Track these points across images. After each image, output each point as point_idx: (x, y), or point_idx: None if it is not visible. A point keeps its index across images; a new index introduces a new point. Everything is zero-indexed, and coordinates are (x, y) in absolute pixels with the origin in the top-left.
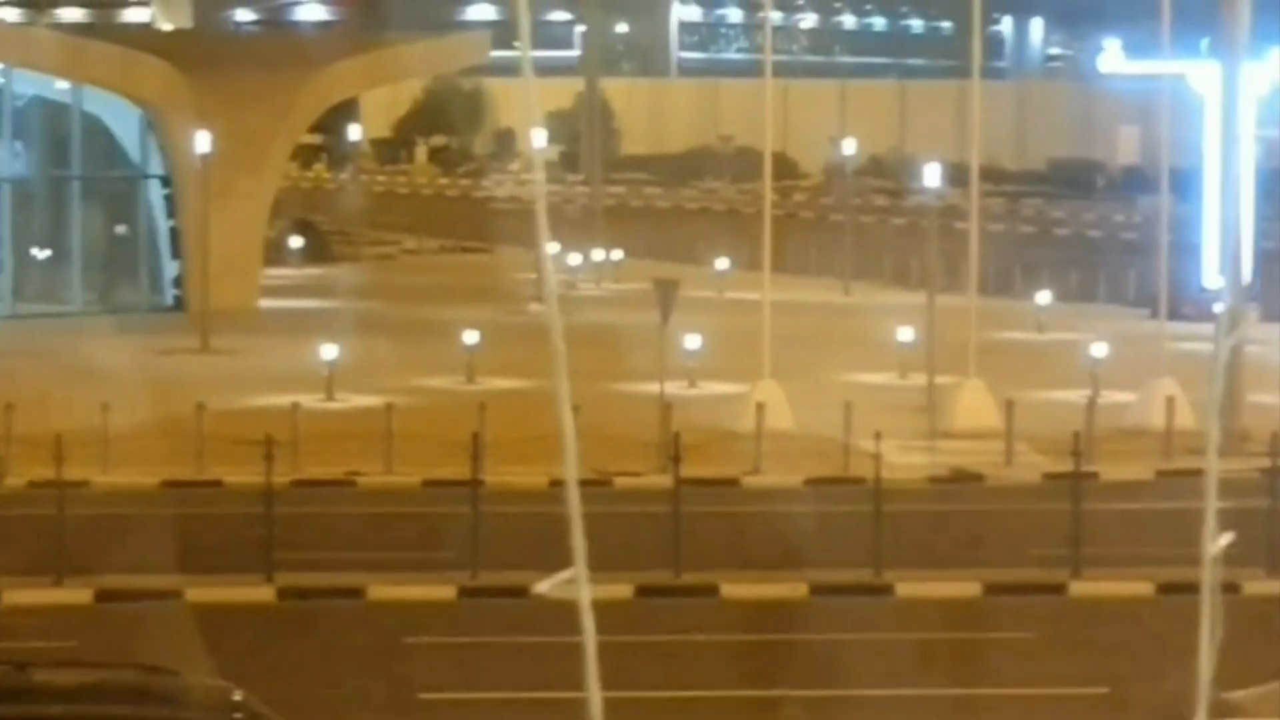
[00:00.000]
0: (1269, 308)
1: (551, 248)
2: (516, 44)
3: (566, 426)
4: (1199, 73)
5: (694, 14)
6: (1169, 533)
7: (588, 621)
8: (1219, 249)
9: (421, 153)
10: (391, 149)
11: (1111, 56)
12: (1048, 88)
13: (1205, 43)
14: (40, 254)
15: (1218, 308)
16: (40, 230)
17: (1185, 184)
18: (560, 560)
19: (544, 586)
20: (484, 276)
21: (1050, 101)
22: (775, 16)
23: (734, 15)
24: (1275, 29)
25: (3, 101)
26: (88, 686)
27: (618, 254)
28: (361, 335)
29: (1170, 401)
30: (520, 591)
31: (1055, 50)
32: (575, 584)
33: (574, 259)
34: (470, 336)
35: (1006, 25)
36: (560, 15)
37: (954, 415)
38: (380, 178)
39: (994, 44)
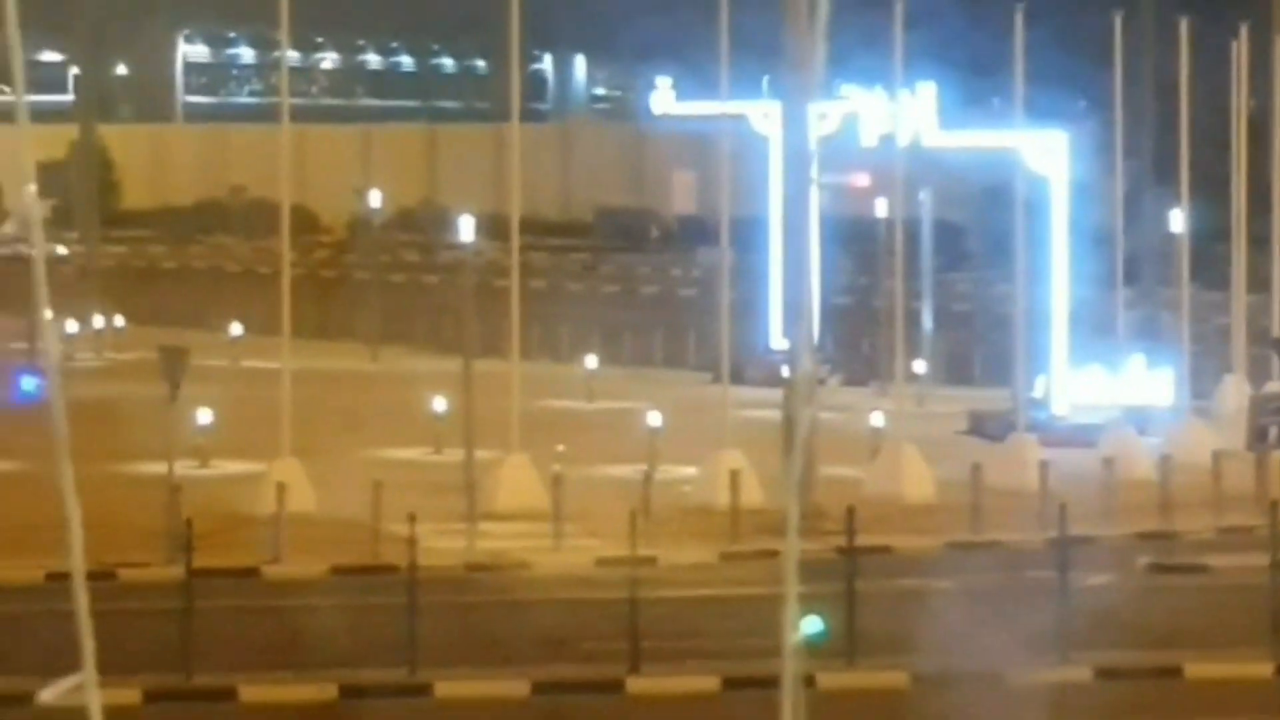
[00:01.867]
0: (850, 371)
1: (44, 314)
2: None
3: (73, 514)
4: (759, 113)
5: (202, 54)
6: (735, 621)
7: None
8: (784, 307)
9: None
10: None
11: (663, 96)
12: (594, 130)
13: (766, 80)
14: None
15: (785, 371)
16: None
17: (747, 234)
18: (61, 665)
19: (49, 694)
20: None
21: (597, 145)
22: (292, 56)
23: (246, 55)
24: (843, 65)
25: None
26: None
27: (119, 320)
28: None
29: (735, 476)
30: (24, 699)
31: (602, 90)
32: (82, 689)
33: (71, 326)
34: None
35: (548, 63)
36: (51, 56)
37: (496, 494)
38: None
39: (535, 83)
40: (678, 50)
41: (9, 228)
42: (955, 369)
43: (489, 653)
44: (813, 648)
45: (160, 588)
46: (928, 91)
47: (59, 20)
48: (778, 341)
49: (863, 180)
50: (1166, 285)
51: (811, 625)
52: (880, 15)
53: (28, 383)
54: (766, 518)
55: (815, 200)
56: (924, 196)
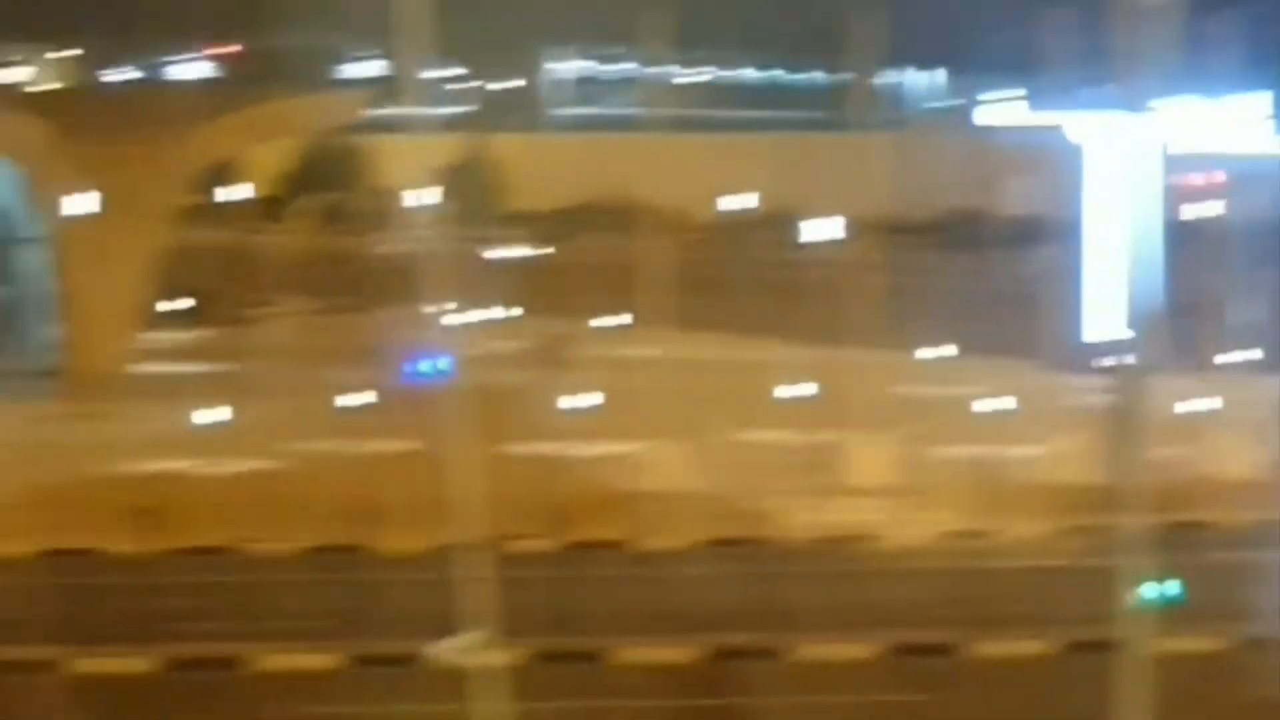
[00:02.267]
0: (1180, 358)
1: (443, 306)
2: (399, 100)
3: (470, 490)
4: (1081, 122)
5: (585, 69)
6: (1075, 589)
7: (490, 685)
8: (1108, 299)
9: (303, 211)
10: (274, 207)
11: (1000, 106)
12: (938, 138)
13: (1095, 92)
14: None
15: (1113, 360)
16: None
17: (1074, 234)
18: (449, 626)
19: (441, 650)
20: (367, 337)
21: (940, 151)
22: (665, 70)
23: (625, 69)
24: (1179, 73)
25: None
26: None
27: (509, 311)
28: (242, 398)
29: (1072, 455)
30: (409, 659)
31: (944, 102)
32: (474, 649)
33: (471, 316)
34: (353, 399)
35: (897, 77)
36: (445, 71)
37: (853, 472)
38: (262, 237)
39: (886, 95)
40: (1013, 63)
41: (414, 225)
42: None
43: (845, 617)
44: (1162, 610)
45: (544, 558)
46: (1261, 99)
47: (456, 40)
48: (1097, 332)
49: (1199, 181)
50: None
51: (1169, 589)
52: (1214, 23)
53: (432, 365)
54: (1100, 494)
55: (1155, 203)
56: (1248, 197)
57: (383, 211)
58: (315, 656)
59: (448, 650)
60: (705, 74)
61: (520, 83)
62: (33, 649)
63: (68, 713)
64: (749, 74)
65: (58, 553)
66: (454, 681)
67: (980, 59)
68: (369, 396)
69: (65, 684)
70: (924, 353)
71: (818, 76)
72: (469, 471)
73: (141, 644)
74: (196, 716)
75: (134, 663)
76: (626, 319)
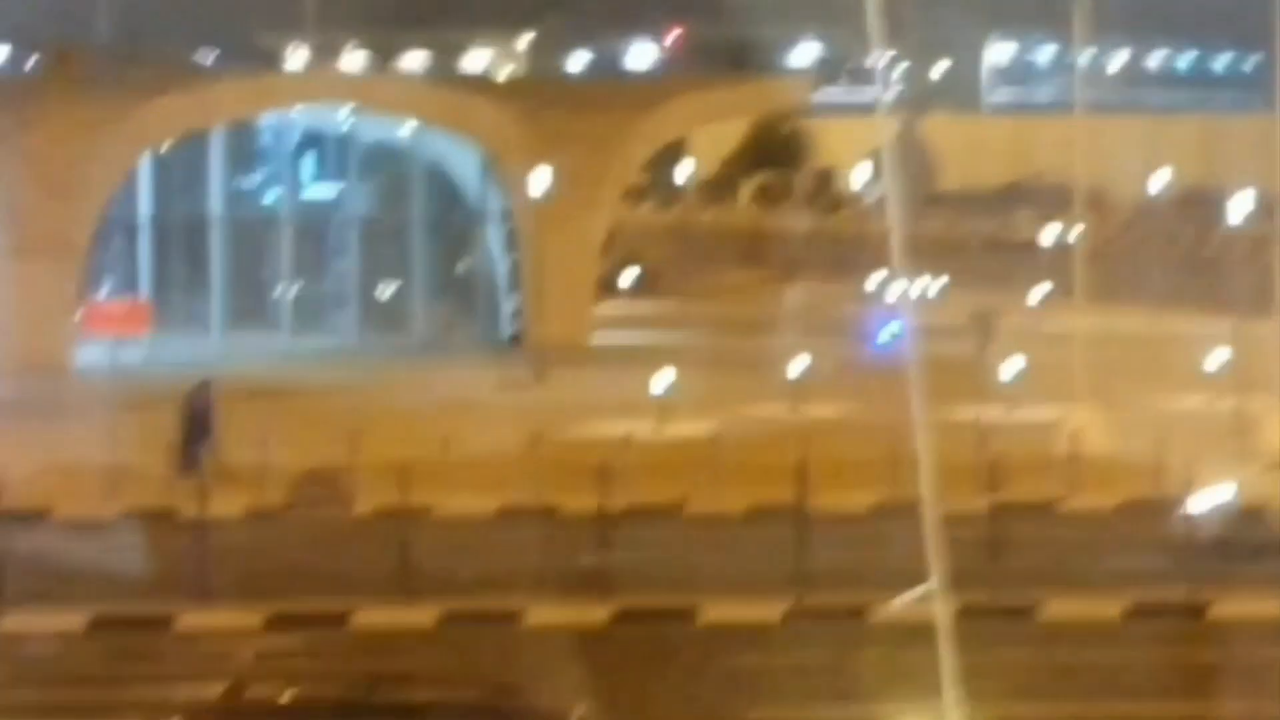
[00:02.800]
0: None
1: (882, 279)
2: (840, 82)
3: (924, 450)
4: None
5: (1009, 52)
6: None
7: (945, 637)
8: None
9: (745, 191)
10: (717, 187)
11: None
12: None
13: None
14: (386, 290)
15: None
16: (385, 267)
17: None
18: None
19: (900, 602)
20: (811, 309)
21: None
22: (1087, 54)
23: (1048, 53)
24: None
25: (351, 144)
26: (435, 704)
27: (939, 284)
28: (691, 366)
29: None
30: (856, 612)
31: None
32: (928, 600)
33: (900, 290)
34: (796, 366)
35: None
36: (885, 56)
37: (1266, 437)
38: (706, 215)
39: None
40: None
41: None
42: None
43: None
44: None
45: (970, 519)
46: None
47: (894, 26)
48: None
49: None
50: None
51: None
52: None
53: (888, 333)
54: None
55: None
56: None
57: (822, 190)
58: (762, 607)
59: (904, 600)
60: (1126, 57)
61: (953, 66)
62: (494, 599)
63: (526, 660)
64: (1171, 57)
65: (519, 510)
66: (901, 633)
67: None
68: (812, 364)
69: (526, 634)
70: None
71: (1241, 58)
72: (923, 435)
73: (598, 595)
74: (650, 665)
75: (591, 612)
76: (1052, 293)
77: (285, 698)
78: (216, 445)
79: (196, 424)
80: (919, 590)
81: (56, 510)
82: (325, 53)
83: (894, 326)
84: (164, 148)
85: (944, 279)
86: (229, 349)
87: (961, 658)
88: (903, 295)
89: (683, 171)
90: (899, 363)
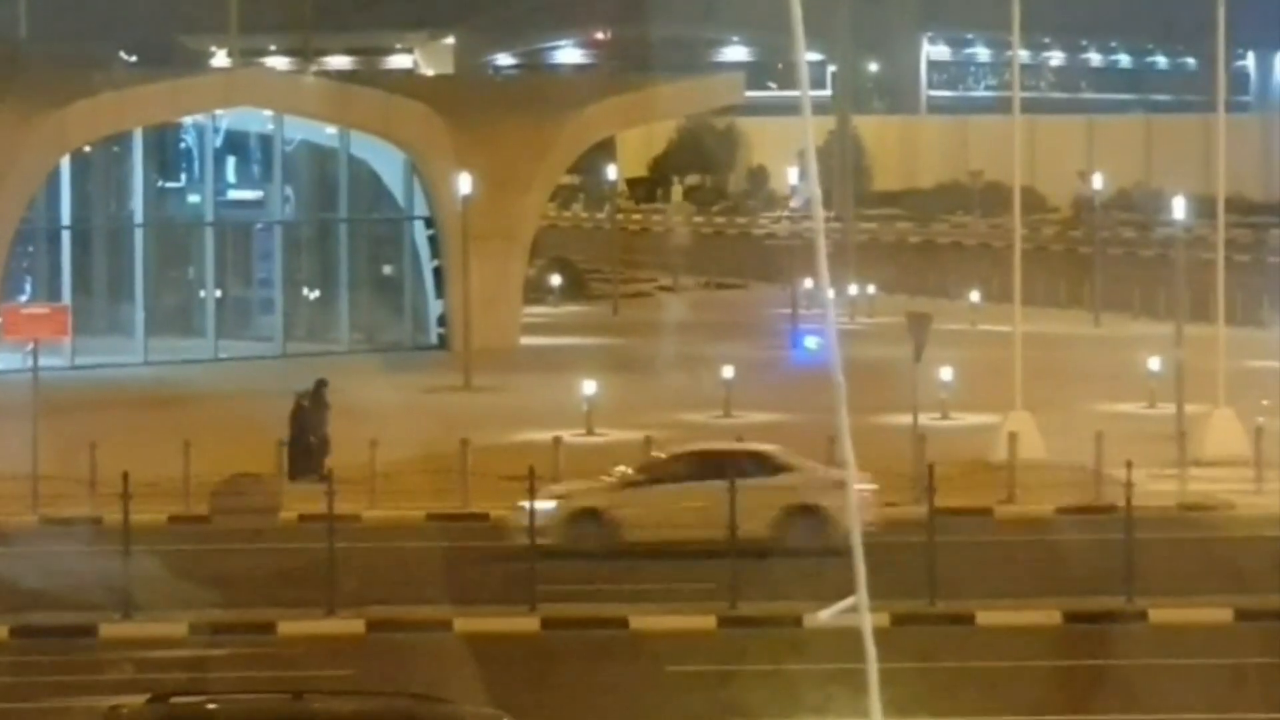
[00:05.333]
0: None
1: (810, 283)
2: (770, 84)
3: (848, 458)
4: None
5: (943, 53)
6: None
7: (870, 648)
8: None
9: (676, 192)
10: (647, 188)
11: None
12: None
13: None
14: (309, 294)
15: None
16: (309, 271)
17: None
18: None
19: (825, 615)
20: (739, 313)
21: None
22: (1022, 55)
23: (982, 54)
24: None
25: (274, 147)
26: (363, 713)
27: (871, 288)
28: (619, 371)
29: None
30: (788, 621)
31: None
32: (854, 612)
33: (830, 293)
34: (727, 371)
35: (1250, 60)
36: (812, 56)
37: (1204, 443)
38: (635, 216)
39: (1239, 79)
40: None
41: (794, 203)
42: None
43: (1197, 584)
44: None
45: (907, 524)
46: None
47: (820, 25)
48: None
49: None
50: None
51: None
52: None
53: (809, 341)
54: None
55: None
56: None
57: (750, 192)
58: (690, 618)
59: (829, 613)
60: (1053, 58)
61: (882, 67)
62: (421, 609)
63: (459, 668)
64: (1105, 58)
65: (443, 516)
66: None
67: None
68: (742, 370)
69: (455, 642)
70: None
71: (1175, 59)
72: (845, 441)
73: (522, 604)
74: (574, 672)
75: (517, 622)
76: (983, 296)
77: (210, 706)
78: (328, 448)
79: (307, 427)
80: (847, 601)
81: None
82: (248, 55)
83: (822, 331)
84: (85, 150)
85: (877, 281)
86: (150, 354)
87: (898, 665)
88: (830, 299)
89: (611, 172)
90: (828, 367)
